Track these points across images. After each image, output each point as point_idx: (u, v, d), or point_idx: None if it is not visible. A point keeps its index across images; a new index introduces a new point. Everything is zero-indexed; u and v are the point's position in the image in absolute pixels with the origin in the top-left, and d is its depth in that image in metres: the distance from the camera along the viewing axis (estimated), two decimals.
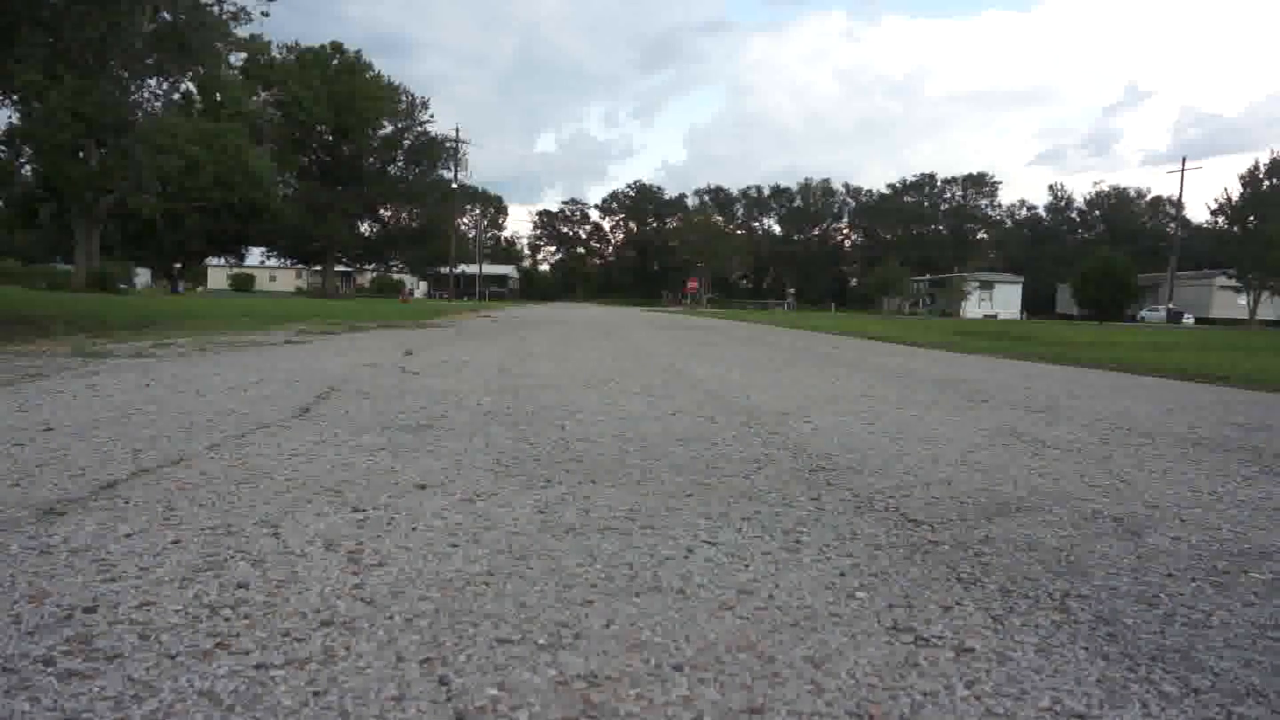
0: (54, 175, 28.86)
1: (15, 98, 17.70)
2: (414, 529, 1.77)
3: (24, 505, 1.84)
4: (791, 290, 72.60)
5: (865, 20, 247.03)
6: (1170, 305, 47.87)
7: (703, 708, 1.05)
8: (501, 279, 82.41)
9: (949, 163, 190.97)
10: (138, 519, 1.77)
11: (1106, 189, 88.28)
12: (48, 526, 1.70)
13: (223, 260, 61.87)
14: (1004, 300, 64.52)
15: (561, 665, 1.15)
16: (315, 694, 1.05)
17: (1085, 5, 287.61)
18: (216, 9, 13.41)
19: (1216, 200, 47.20)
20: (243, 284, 58.20)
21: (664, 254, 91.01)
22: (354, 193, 52.46)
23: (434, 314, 19.35)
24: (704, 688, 1.10)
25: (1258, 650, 1.28)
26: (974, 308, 61.42)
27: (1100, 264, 46.46)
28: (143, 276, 47.33)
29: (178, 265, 44.34)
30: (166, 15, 12.14)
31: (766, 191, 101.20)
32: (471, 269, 70.14)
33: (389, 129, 54.70)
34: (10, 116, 25.03)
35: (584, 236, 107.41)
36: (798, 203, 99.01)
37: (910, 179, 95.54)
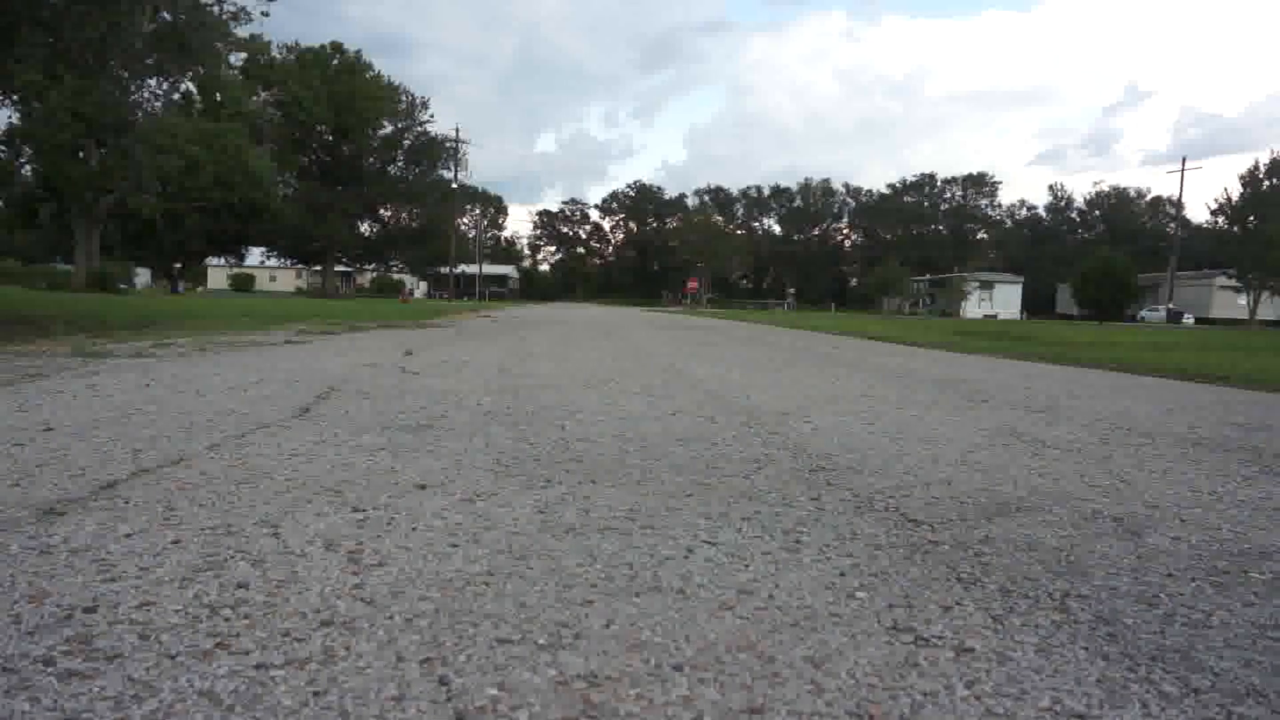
0: (54, 175, 28.86)
1: (15, 98, 17.70)
2: (414, 529, 1.77)
3: (24, 505, 1.84)
4: (791, 290, 72.60)
5: (865, 20, 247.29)
6: (1170, 305, 47.87)
7: (703, 708, 1.05)
8: (501, 279, 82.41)
9: (949, 163, 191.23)
10: (138, 519, 1.77)
11: (1106, 189, 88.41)
12: (48, 526, 1.70)
13: (223, 260, 61.88)
14: (1004, 300, 64.52)
15: (561, 665, 1.15)
16: (315, 694, 1.05)
17: (1085, 5, 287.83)
18: (216, 9, 13.41)
19: (1216, 200, 47.26)
20: (243, 284, 58.20)
21: (664, 254, 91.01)
22: (354, 193, 52.46)
23: (434, 314, 19.35)
24: (704, 688, 1.10)
25: (1258, 650, 1.28)
26: (974, 308, 61.43)
27: (1100, 264, 46.46)
28: (143, 276, 47.33)
29: (178, 265, 44.35)
30: (166, 15, 12.14)
31: (766, 191, 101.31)
32: (471, 269, 70.14)
33: (389, 129, 54.72)
34: (10, 116, 25.06)
35: (584, 236, 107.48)
36: (798, 203, 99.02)
37: (910, 179, 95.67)
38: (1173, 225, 58.53)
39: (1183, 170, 48.25)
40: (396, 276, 66.09)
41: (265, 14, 14.13)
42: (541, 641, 1.23)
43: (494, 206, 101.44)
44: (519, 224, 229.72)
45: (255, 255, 58.89)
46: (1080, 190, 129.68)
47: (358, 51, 51.49)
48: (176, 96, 22.53)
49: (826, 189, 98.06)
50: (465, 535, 1.74)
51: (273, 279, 69.21)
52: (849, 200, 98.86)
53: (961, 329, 18.45)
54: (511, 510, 1.95)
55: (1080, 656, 1.24)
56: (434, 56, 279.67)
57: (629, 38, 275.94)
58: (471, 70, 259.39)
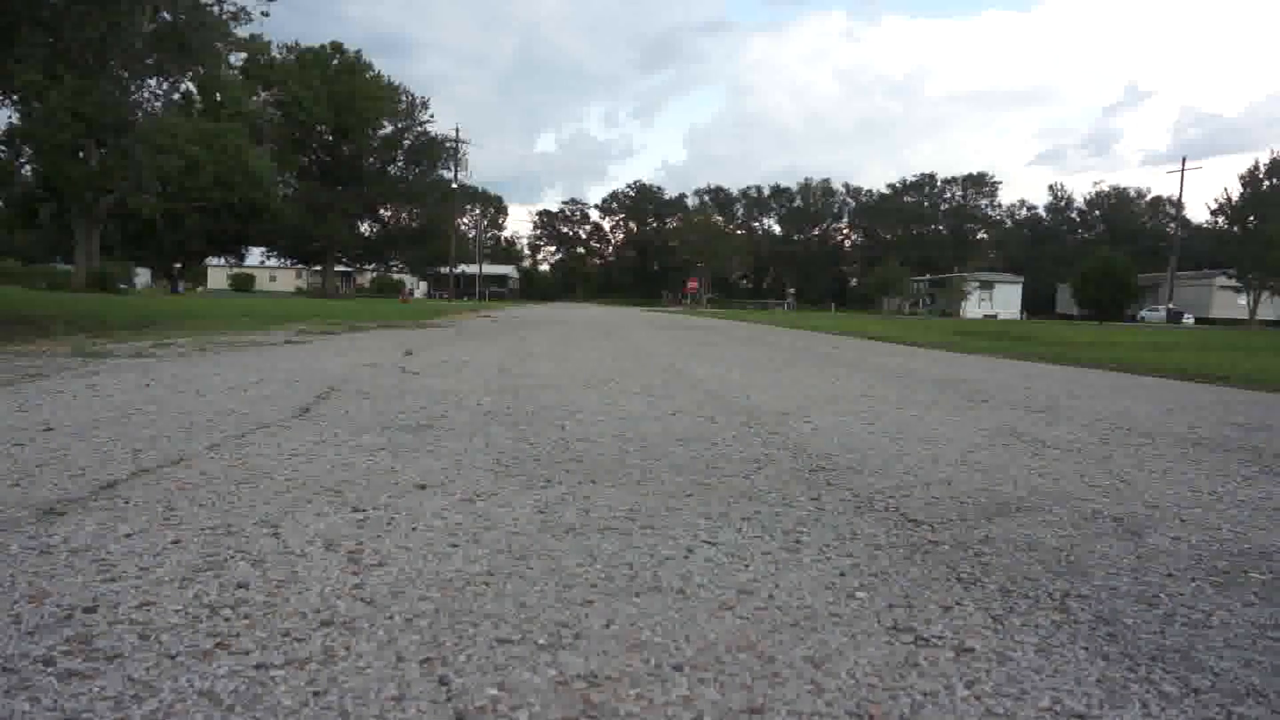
0: (54, 175, 28.86)
1: (15, 98, 17.70)
2: (414, 529, 1.77)
3: (24, 505, 1.84)
4: (791, 290, 72.60)
5: (865, 20, 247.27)
6: (1170, 305, 47.87)
7: (703, 708, 1.05)
8: (501, 279, 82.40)
9: (949, 163, 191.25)
10: (138, 519, 1.77)
11: (1106, 189, 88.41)
12: (48, 526, 1.70)
13: (223, 260, 61.88)
14: (1004, 300, 64.52)
15: (561, 665, 1.15)
16: (315, 694, 1.05)
17: (1085, 5, 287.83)
18: (216, 9, 13.41)
19: (1216, 200, 47.26)
20: (243, 284, 58.19)
21: (664, 254, 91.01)
22: (354, 193, 52.46)
23: (434, 314, 19.35)
24: (704, 688, 1.10)
25: (1258, 650, 1.28)
26: (974, 308, 61.43)
27: (1100, 264, 46.46)
28: (143, 276, 47.33)
29: (178, 265, 44.35)
30: (166, 15, 12.14)
31: (766, 191, 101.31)
32: (471, 269, 70.14)
33: (389, 129, 54.72)
34: (10, 116, 25.06)
35: (584, 236, 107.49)
36: (798, 203, 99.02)
37: (910, 179, 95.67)
38: (1173, 225, 58.54)
39: (1183, 170, 48.29)
40: (396, 276, 66.08)
41: (265, 14, 14.14)
42: (541, 641, 1.23)
43: (494, 206, 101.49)
44: (519, 224, 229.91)
45: (255, 255, 58.97)
46: (1080, 190, 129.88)
47: (358, 51, 51.56)
48: (176, 96, 22.53)
49: (826, 189, 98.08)
50: (465, 535, 1.74)
51: (273, 279, 69.21)
52: (849, 200, 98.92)
53: (961, 329, 18.45)
54: (511, 510, 1.95)
55: (1080, 656, 1.24)
56: (434, 56, 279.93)
57: (629, 38, 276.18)
58: (471, 70, 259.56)
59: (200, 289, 55.31)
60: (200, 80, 23.69)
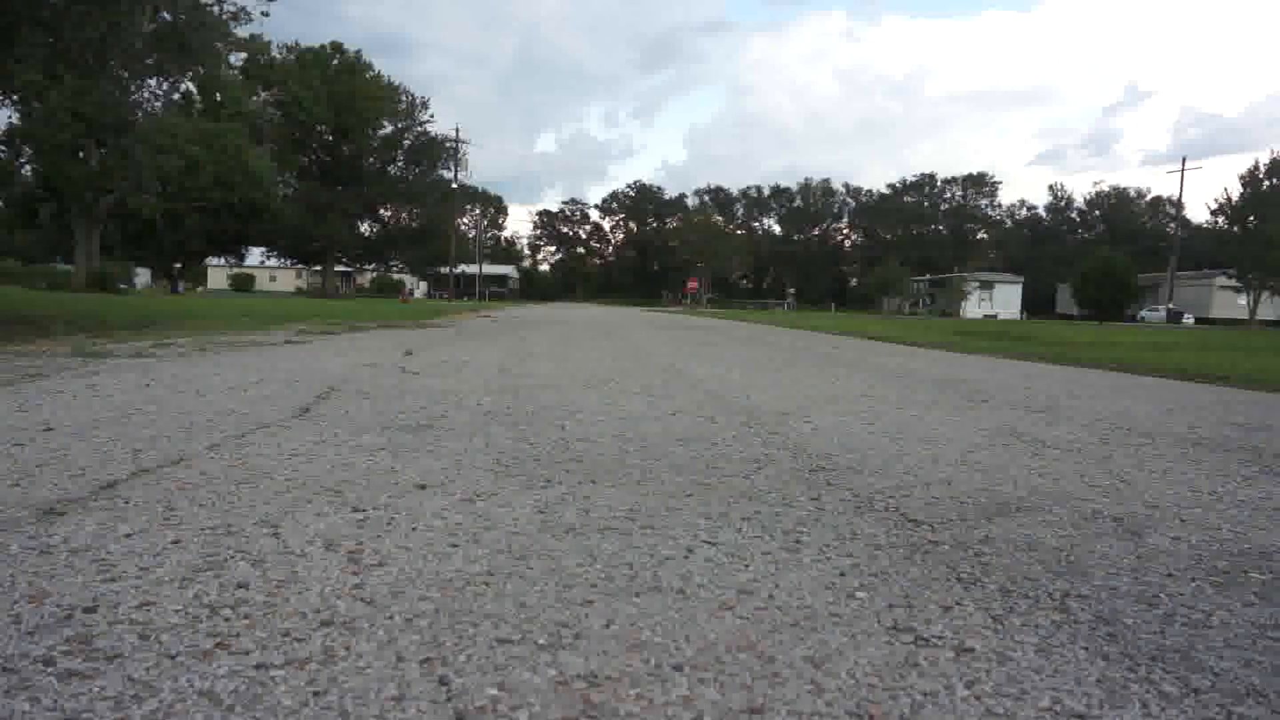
0: (54, 175, 28.86)
1: (15, 98, 17.70)
2: (414, 529, 1.77)
3: (24, 505, 1.84)
4: (791, 290, 72.59)
5: (865, 20, 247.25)
6: (1170, 305, 47.87)
7: (703, 708, 1.05)
8: (501, 279, 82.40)
9: (949, 163, 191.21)
10: (138, 519, 1.77)
11: (1106, 189, 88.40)
12: (48, 526, 1.70)
13: (223, 260, 61.88)
14: (1004, 300, 64.52)
15: (561, 665, 1.15)
16: (315, 694, 1.05)
17: (1085, 5, 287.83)
18: (216, 9, 13.41)
19: (1216, 200, 47.25)
20: (243, 284, 58.19)
21: (664, 254, 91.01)
22: (354, 193, 52.46)
23: (434, 314, 19.35)
24: (704, 688, 1.10)
25: (1258, 650, 1.28)
26: (974, 308, 61.43)
27: (1100, 264, 46.46)
28: (143, 276, 47.33)
29: (178, 265, 44.35)
30: (166, 15, 12.14)
31: (766, 191, 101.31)
32: (471, 269, 70.13)
33: (389, 129, 54.72)
34: (10, 116, 25.06)
35: (584, 236, 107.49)
36: (798, 203, 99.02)
37: (910, 179, 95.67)
38: (1173, 225, 58.53)
39: (1183, 170, 48.28)
40: (396, 276, 66.08)
41: (265, 14, 14.14)
42: (541, 641, 1.23)
43: (494, 206, 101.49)
44: (519, 224, 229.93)
45: (255, 255, 58.97)
46: (1080, 190, 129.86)
47: (358, 51, 51.55)
48: (176, 96, 22.53)
49: (826, 189, 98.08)
50: (465, 535, 1.74)
51: (273, 279, 69.21)
52: (849, 200, 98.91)
53: (961, 329, 18.45)
54: (511, 510, 1.95)
55: (1080, 656, 1.24)
56: (434, 56, 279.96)
57: (629, 38, 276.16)
58: (471, 70, 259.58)
59: (200, 289, 55.31)
60: (200, 80, 23.69)
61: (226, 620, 1.26)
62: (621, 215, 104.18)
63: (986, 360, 8.31)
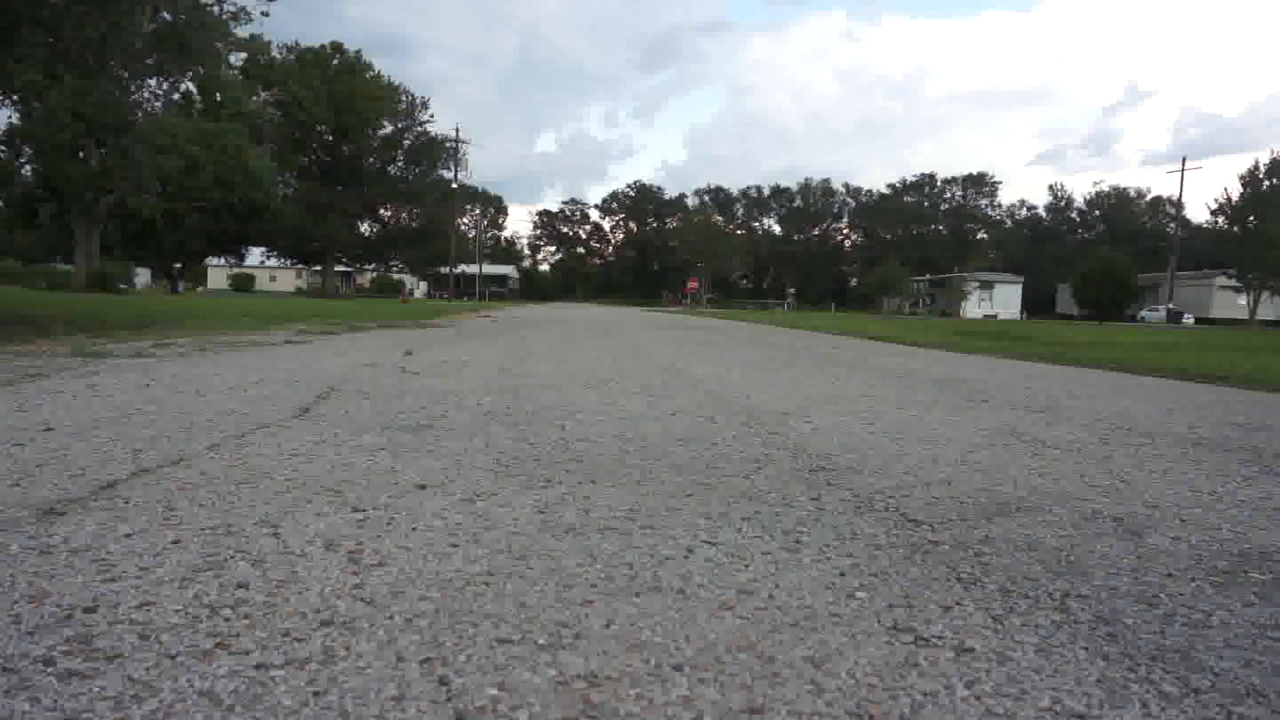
0: (54, 175, 28.86)
1: (15, 98, 17.70)
2: (414, 529, 1.77)
3: (24, 505, 1.84)
4: (791, 290, 72.59)
5: (865, 20, 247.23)
6: (1170, 305, 47.87)
7: (703, 708, 1.05)
8: (501, 279, 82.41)
9: (949, 163, 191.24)
10: (138, 519, 1.77)
11: (1106, 189, 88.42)
12: (48, 526, 1.70)
13: (223, 260, 61.88)
14: (1004, 300, 64.51)
15: (561, 665, 1.15)
16: (315, 694, 1.05)
17: (1085, 5, 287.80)
18: (216, 9, 13.41)
19: (1216, 200, 47.25)
20: (243, 284, 58.20)
21: (664, 254, 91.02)
22: (354, 193, 52.46)
23: (434, 314, 19.35)
24: (704, 688, 1.10)
25: (1258, 650, 1.28)
26: (974, 308, 61.42)
27: (1100, 264, 46.46)
28: (143, 276, 47.34)
29: (178, 265, 44.36)
30: (166, 15, 12.14)
31: (766, 191, 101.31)
32: (471, 269, 70.14)
33: (389, 129, 54.72)
34: (10, 116, 25.06)
35: (584, 236, 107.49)
36: (798, 203, 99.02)
37: (910, 179, 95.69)
38: (1173, 225, 58.52)
39: (1183, 170, 48.28)
40: (396, 276, 66.08)
41: (265, 14, 14.14)
42: (541, 641, 1.23)
43: (494, 206, 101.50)
44: (519, 224, 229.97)
45: (255, 255, 58.97)
46: (1080, 190, 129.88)
47: (358, 51, 51.55)
48: (176, 96, 22.53)
49: (826, 189, 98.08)
50: (465, 535, 1.74)
51: (273, 279, 69.22)
52: (849, 200, 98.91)
53: (961, 329, 18.45)
54: (511, 510, 1.95)
55: (1080, 656, 1.24)
56: (434, 56, 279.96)
57: (629, 38, 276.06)
58: (471, 70, 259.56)
59: (200, 289, 55.32)
60: (200, 80, 23.69)
61: (226, 620, 1.26)
62: (621, 215, 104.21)
63: (986, 360, 8.31)
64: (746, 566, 1.60)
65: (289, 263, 62.66)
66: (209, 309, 15.34)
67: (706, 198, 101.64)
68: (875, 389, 4.99)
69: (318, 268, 58.18)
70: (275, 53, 48.04)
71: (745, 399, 4.28)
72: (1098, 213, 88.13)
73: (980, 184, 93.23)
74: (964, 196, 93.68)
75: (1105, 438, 3.32)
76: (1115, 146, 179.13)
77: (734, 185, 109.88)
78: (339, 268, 59.49)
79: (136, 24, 11.06)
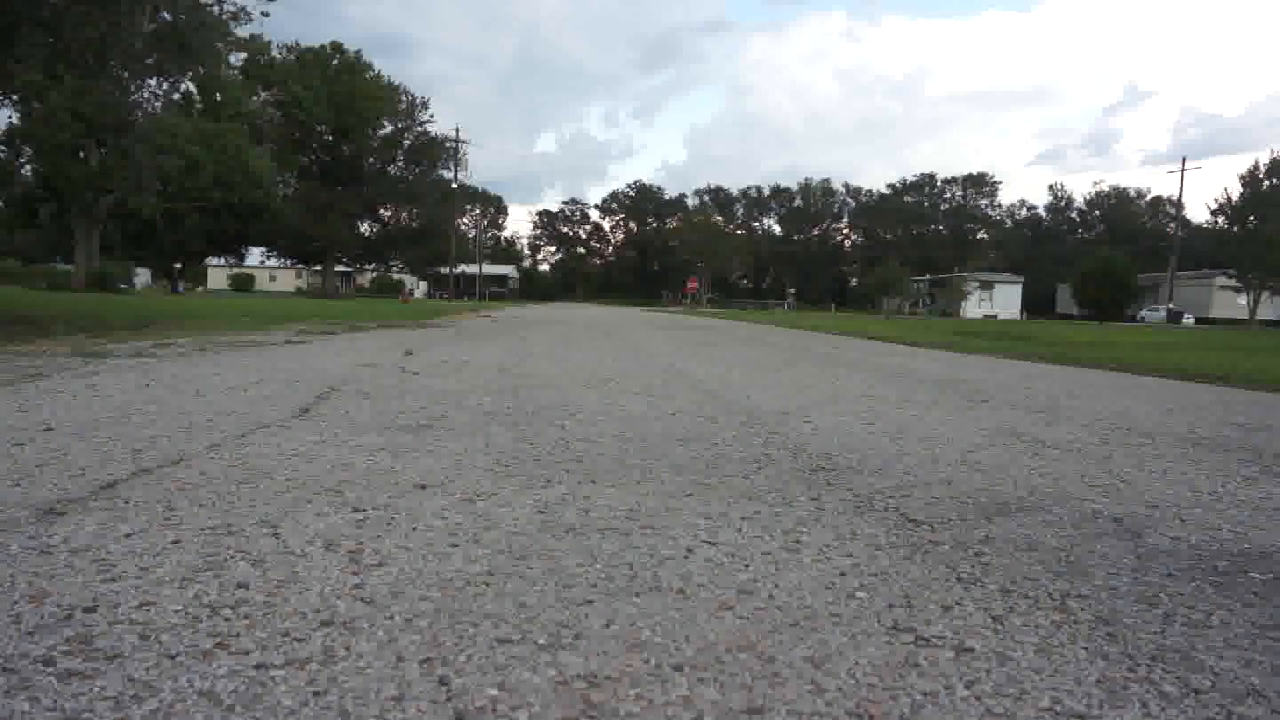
0: (54, 175, 28.86)
1: (15, 98, 17.71)
2: (414, 529, 1.77)
3: (24, 505, 1.84)
4: (791, 290, 72.55)
5: (865, 20, 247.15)
6: (1170, 305, 47.85)
7: (703, 708, 1.05)
8: (501, 279, 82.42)
9: (949, 163, 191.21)
10: (138, 519, 1.77)
11: (1106, 189, 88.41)
12: (48, 526, 1.70)
13: (223, 260, 61.88)
14: (1004, 300, 64.47)
15: (561, 665, 1.15)
16: (315, 694, 1.05)
17: (1085, 5, 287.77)
18: (216, 9, 13.41)
19: (1216, 200, 47.18)
20: (243, 284, 58.20)
21: (664, 254, 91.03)
22: (354, 193, 52.44)
23: (434, 314, 19.35)
24: (704, 688, 1.10)
25: (1258, 650, 1.28)
26: (974, 308, 61.38)
27: (1100, 264, 46.46)
28: (143, 276, 47.36)
29: (178, 265, 44.29)
30: (166, 15, 12.13)
31: (766, 191, 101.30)
32: (471, 269, 70.14)
33: (389, 129, 54.69)
34: (10, 116, 25.07)
35: (584, 236, 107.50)
36: (798, 203, 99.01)
37: (910, 179, 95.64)
38: (1173, 225, 58.51)
39: (1183, 170, 48.27)
40: (396, 276, 66.08)
41: (265, 14, 14.16)
42: (541, 641, 1.23)
43: (494, 206, 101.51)
44: (519, 224, 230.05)
45: (255, 255, 58.95)
46: (1080, 190, 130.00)
47: (358, 51, 51.49)
48: (176, 96, 22.54)
49: (826, 189, 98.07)
50: (465, 535, 1.74)
51: (273, 279, 69.22)
52: (849, 200, 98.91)
53: (961, 329, 18.45)
54: (511, 510, 1.95)
55: (1080, 656, 1.24)
56: (434, 56, 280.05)
57: (629, 38, 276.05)
58: (471, 70, 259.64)
59: (200, 289, 55.31)
60: (200, 80, 23.72)
61: (226, 620, 1.26)
62: (621, 215, 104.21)
63: (986, 360, 8.31)
64: (746, 566, 1.60)
65: (289, 263, 62.64)
66: (209, 309, 15.34)
67: (706, 198, 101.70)
68: (875, 389, 4.99)
69: (318, 268, 58.16)
70: (275, 53, 48.04)
71: (745, 399, 4.28)
72: (1098, 213, 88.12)
73: (980, 184, 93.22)
74: (964, 196, 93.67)
75: (1105, 438, 3.32)
76: (1115, 146, 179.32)
77: (734, 185, 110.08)
78: (339, 268, 59.47)
79: (136, 24, 11.06)
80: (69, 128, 22.10)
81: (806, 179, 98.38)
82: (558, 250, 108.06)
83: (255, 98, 42.81)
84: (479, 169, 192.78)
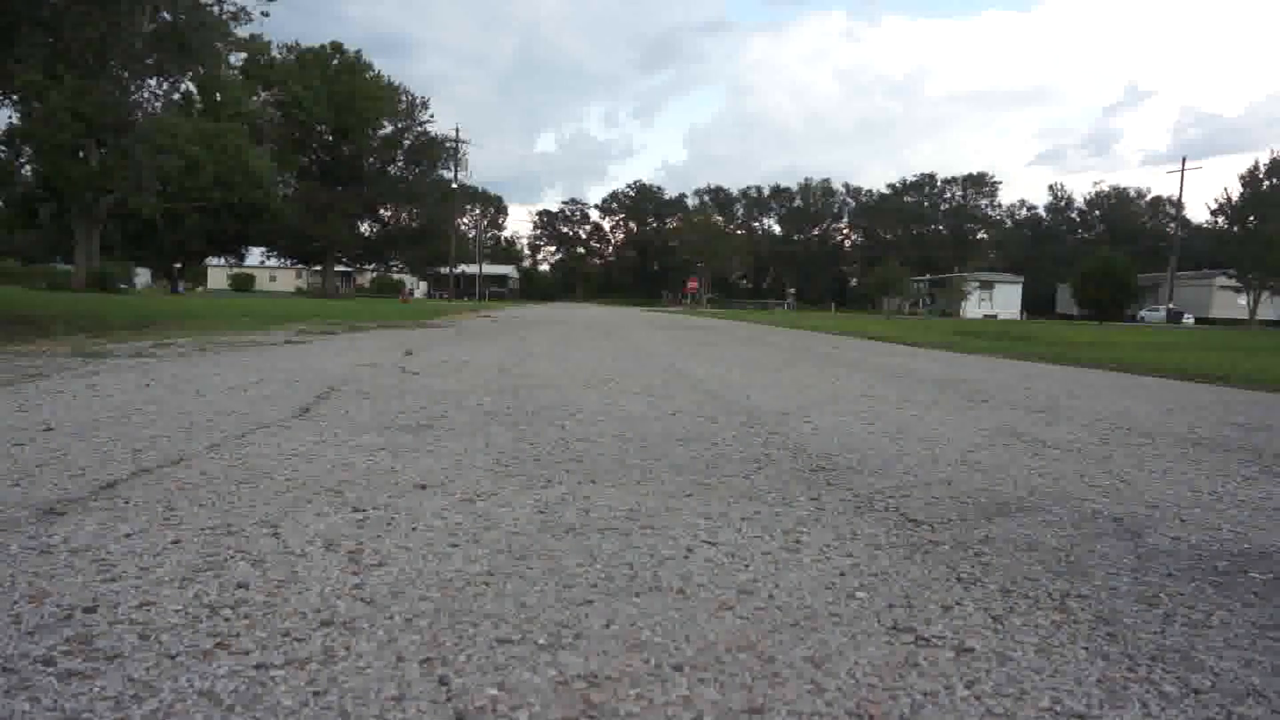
0: (54, 175, 28.86)
1: (15, 98, 17.71)
2: (414, 529, 1.77)
3: (24, 505, 1.84)
4: (791, 290, 72.57)
5: (865, 20, 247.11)
6: (1170, 305, 47.84)
7: (703, 708, 1.05)
8: (501, 279, 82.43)
9: (949, 163, 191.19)
10: (138, 519, 1.77)
11: (1106, 189, 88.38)
12: (48, 526, 1.70)
13: (223, 260, 61.87)
14: (1004, 300, 64.47)
15: (561, 665, 1.15)
16: (315, 694, 1.05)
17: (1085, 5, 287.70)
18: (216, 9, 13.41)
19: (1216, 200, 47.20)
20: (243, 284, 58.20)
21: (664, 254, 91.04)
22: (354, 193, 52.43)
23: (434, 314, 19.35)
24: (704, 688, 1.10)
25: (1258, 650, 1.28)
26: (974, 308, 61.38)
27: (1100, 264, 46.47)
28: (143, 276, 47.36)
29: (178, 265, 44.31)
30: (166, 15, 12.14)
31: (766, 191, 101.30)
32: (471, 269, 70.14)
33: (389, 129, 54.67)
34: (10, 116, 25.07)
35: (584, 236, 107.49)
36: (798, 203, 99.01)
37: (910, 179, 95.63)
38: (1173, 225, 58.50)
39: (1183, 170, 48.25)
40: (396, 276, 66.08)
41: (265, 14, 14.15)
42: (541, 641, 1.23)
43: (494, 206, 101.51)
44: (519, 224, 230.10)
45: (255, 255, 58.94)
46: (1080, 190, 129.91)
47: (358, 51, 51.48)
48: (176, 96, 22.54)
49: (826, 189, 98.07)
50: (465, 535, 1.74)
51: (273, 279, 69.22)
52: (849, 200, 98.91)
53: (961, 329, 18.45)
54: (511, 510, 1.95)
55: (1080, 656, 1.24)
56: (434, 56, 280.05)
57: (629, 38, 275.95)
58: (471, 70, 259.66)
59: (200, 289, 55.32)
60: (200, 80, 23.73)
61: (226, 620, 1.26)
62: (621, 215, 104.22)
63: (986, 360, 8.31)
64: (746, 566, 1.60)
65: (289, 263, 62.63)
66: (209, 309, 15.34)
67: (706, 198, 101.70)
68: (875, 389, 4.99)
69: (318, 268, 58.15)
70: (275, 53, 48.01)
71: (745, 399, 4.28)
72: (1098, 213, 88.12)
73: (980, 184, 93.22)
74: (964, 196, 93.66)
75: (1105, 438, 3.32)
76: (1115, 146, 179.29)
77: (734, 185, 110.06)
78: (339, 268, 59.46)
79: (136, 24, 11.06)
80: (69, 128, 22.11)
81: (806, 179, 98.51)
82: (558, 250, 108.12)
83: (255, 98, 42.81)
84: (479, 169, 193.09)
